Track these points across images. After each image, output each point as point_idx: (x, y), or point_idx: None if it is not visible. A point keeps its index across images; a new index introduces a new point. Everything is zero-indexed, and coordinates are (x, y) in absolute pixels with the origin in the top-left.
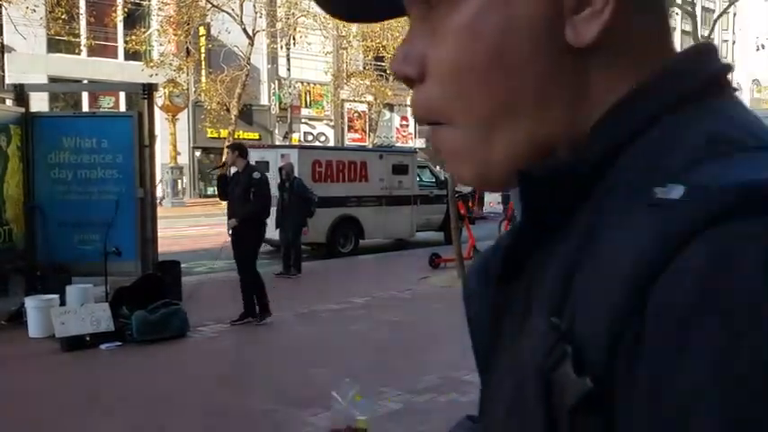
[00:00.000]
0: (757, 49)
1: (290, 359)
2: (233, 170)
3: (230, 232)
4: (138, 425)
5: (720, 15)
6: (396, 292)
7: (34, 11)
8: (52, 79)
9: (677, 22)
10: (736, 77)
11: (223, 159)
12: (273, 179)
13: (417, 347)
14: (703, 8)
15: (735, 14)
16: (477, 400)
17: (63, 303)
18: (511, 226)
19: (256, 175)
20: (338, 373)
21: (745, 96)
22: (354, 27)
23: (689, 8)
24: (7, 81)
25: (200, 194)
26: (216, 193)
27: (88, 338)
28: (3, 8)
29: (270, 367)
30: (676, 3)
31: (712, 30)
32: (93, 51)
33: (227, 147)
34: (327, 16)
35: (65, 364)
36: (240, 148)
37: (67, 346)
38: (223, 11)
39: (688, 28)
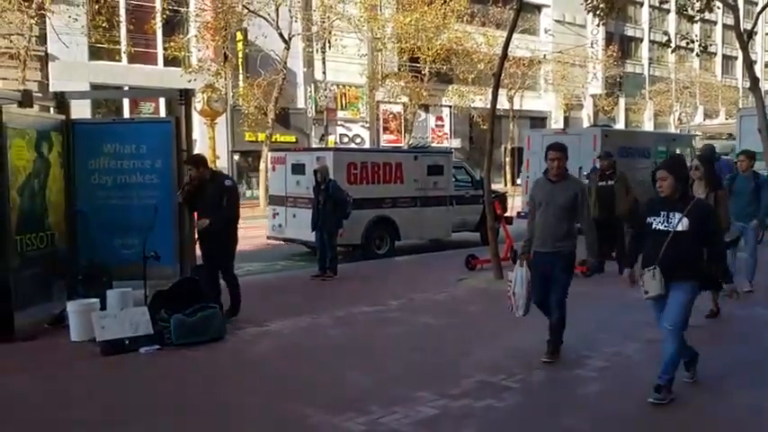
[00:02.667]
0: None
1: (325, 362)
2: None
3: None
4: (176, 428)
5: (764, 8)
6: (432, 295)
7: (76, 20)
8: (94, 86)
9: (719, 15)
10: None
11: (185, 180)
12: (309, 181)
13: (454, 351)
14: (746, 1)
15: None
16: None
17: (103, 307)
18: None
19: (228, 183)
20: (373, 377)
21: None
22: (389, 29)
23: (731, 1)
24: (51, 89)
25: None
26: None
27: (128, 342)
28: (46, 18)
29: (305, 370)
30: None
31: (755, 23)
32: (133, 58)
33: (186, 163)
34: (362, 18)
35: (105, 367)
36: (201, 161)
37: (107, 350)
38: (259, 16)
39: (730, 22)
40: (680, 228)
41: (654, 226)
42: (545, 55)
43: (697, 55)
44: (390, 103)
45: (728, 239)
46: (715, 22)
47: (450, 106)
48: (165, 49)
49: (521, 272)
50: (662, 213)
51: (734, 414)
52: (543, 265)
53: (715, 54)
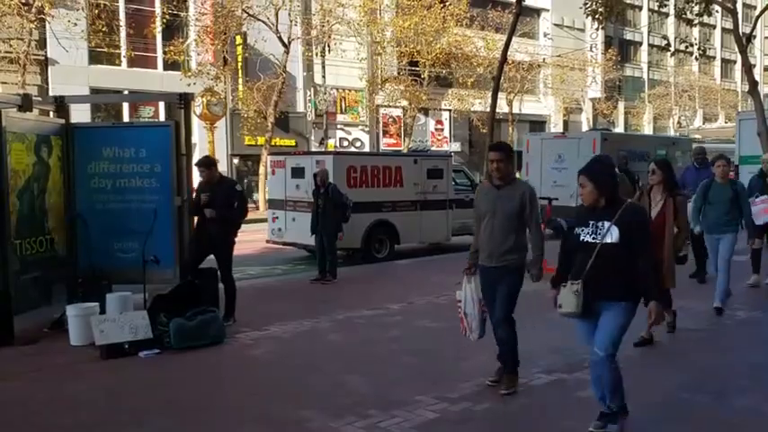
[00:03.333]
0: None
1: (325, 366)
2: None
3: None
4: (175, 430)
5: (762, 12)
6: (432, 298)
7: (76, 24)
8: (94, 90)
9: (718, 19)
10: None
11: (196, 184)
12: (309, 185)
13: (453, 354)
14: (744, 5)
15: None
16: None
17: (103, 311)
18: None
19: (238, 187)
20: (373, 380)
21: None
22: (389, 33)
23: (729, 5)
24: (51, 93)
25: None
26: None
27: (127, 346)
28: (46, 22)
29: (305, 374)
30: (716, 1)
31: (754, 27)
32: (133, 62)
33: (198, 165)
34: (362, 22)
35: (104, 371)
36: (212, 163)
37: (107, 354)
38: (259, 20)
39: (729, 26)
40: (608, 239)
41: (582, 237)
42: (544, 59)
43: (696, 58)
44: (390, 106)
45: (682, 254)
46: (714, 26)
47: (450, 110)
48: (164, 53)
49: (469, 288)
50: (590, 223)
51: (734, 416)
52: (490, 281)
53: (714, 58)
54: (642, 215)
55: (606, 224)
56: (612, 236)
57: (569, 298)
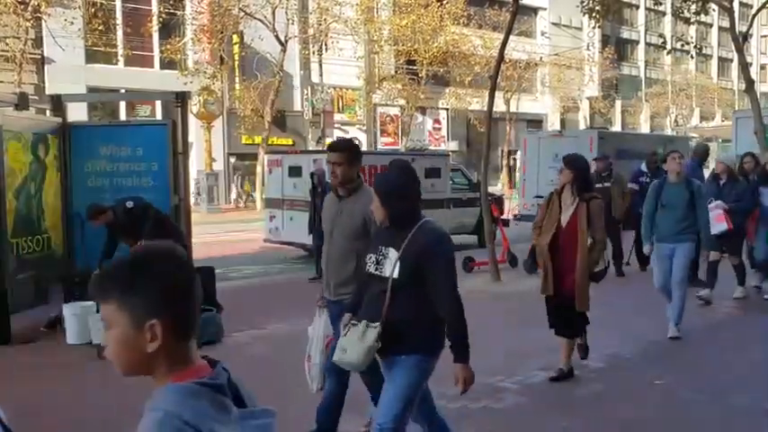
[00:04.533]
0: None
1: None
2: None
3: None
4: None
5: (759, 10)
6: None
7: (72, 23)
8: (91, 89)
9: (714, 18)
10: None
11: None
12: (306, 184)
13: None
14: (741, 3)
15: None
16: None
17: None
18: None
19: (129, 204)
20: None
21: None
22: (386, 31)
23: (726, 3)
24: (47, 92)
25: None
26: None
27: None
28: (42, 21)
29: (303, 373)
30: None
31: (750, 25)
32: (130, 61)
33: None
34: (359, 21)
35: (101, 370)
36: (100, 212)
37: (104, 353)
38: (256, 18)
39: (725, 24)
40: (395, 273)
41: (367, 268)
42: (541, 57)
43: (692, 57)
44: (387, 105)
45: (598, 269)
46: (711, 25)
47: (448, 109)
48: (161, 52)
49: (318, 324)
50: (379, 248)
51: (726, 414)
52: (333, 318)
53: (711, 56)
54: (436, 243)
55: (392, 253)
56: (397, 268)
57: (352, 345)
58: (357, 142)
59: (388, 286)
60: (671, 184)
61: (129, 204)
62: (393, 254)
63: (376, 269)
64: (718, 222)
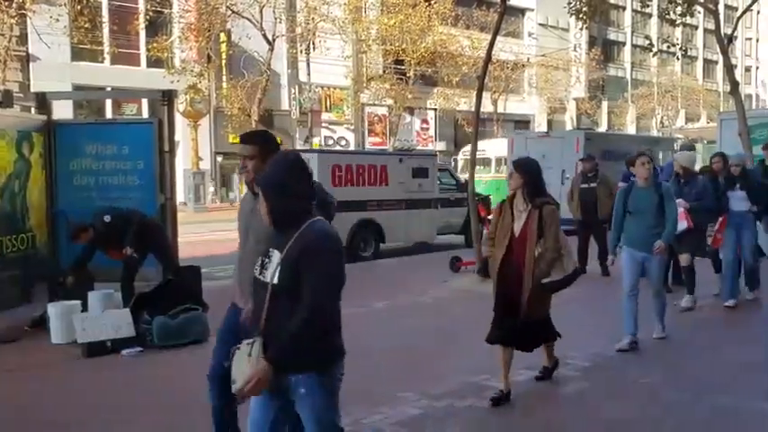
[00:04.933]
0: None
1: None
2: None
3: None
4: (158, 429)
5: (744, 13)
6: (417, 296)
7: (58, 20)
8: (77, 87)
9: (700, 20)
10: (759, 75)
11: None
12: None
13: (438, 352)
14: (726, 6)
15: (758, 12)
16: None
17: (85, 309)
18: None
19: (107, 218)
20: (357, 377)
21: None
22: (374, 31)
23: (711, 6)
24: (32, 89)
25: (221, 199)
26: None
27: (109, 344)
28: (27, 18)
29: None
30: (699, 2)
31: (735, 27)
32: (116, 59)
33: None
34: (347, 20)
35: (86, 369)
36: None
37: (89, 352)
38: (243, 17)
39: (711, 26)
40: (275, 278)
41: (254, 273)
42: (528, 58)
43: (678, 59)
44: (375, 105)
45: (550, 279)
46: (696, 27)
47: (436, 109)
48: (148, 50)
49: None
50: (267, 251)
51: (710, 414)
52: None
53: (696, 58)
54: (317, 242)
55: (275, 255)
56: (276, 273)
57: (242, 366)
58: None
59: (272, 295)
60: (639, 188)
61: (107, 219)
62: (276, 257)
63: (260, 273)
64: (678, 221)
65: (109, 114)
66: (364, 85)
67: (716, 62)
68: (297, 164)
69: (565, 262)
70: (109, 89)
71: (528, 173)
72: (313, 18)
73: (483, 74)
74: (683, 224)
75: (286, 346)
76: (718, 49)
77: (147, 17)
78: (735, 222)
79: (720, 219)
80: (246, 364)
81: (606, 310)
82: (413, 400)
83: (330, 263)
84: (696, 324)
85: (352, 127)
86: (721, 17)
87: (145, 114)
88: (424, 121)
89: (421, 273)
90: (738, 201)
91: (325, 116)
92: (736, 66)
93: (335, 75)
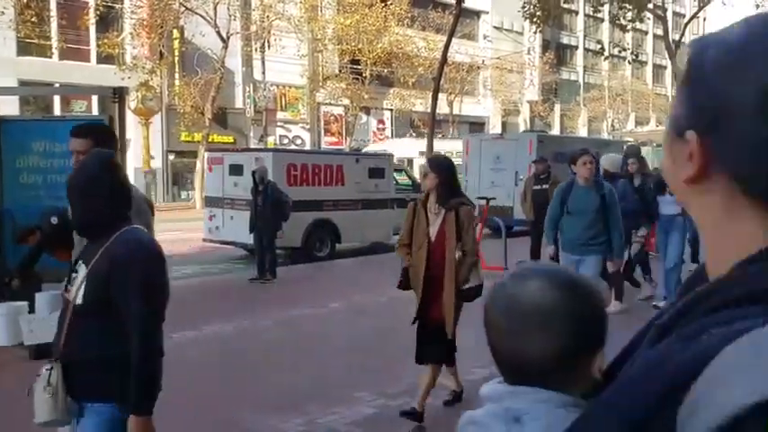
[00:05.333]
0: None
1: (264, 365)
2: None
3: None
4: None
5: (690, 20)
6: (372, 296)
7: (3, 13)
8: (22, 83)
9: (649, 26)
10: None
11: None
12: (247, 183)
13: (393, 351)
14: (674, 13)
15: (705, 19)
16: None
17: (32, 310)
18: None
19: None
20: (313, 378)
21: None
22: (330, 30)
23: (660, 12)
24: None
25: (173, 198)
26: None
27: None
28: None
29: (243, 373)
30: (648, 8)
31: (683, 34)
32: (64, 54)
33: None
34: (302, 19)
35: (34, 372)
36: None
37: (37, 354)
38: (197, 14)
39: (660, 32)
40: (79, 298)
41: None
42: (483, 61)
43: (629, 63)
44: (331, 104)
45: (469, 285)
46: (646, 32)
47: (392, 109)
48: (98, 45)
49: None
50: (76, 264)
51: None
52: None
53: (646, 63)
54: (129, 255)
55: (82, 269)
56: (80, 290)
57: (41, 400)
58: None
59: (68, 312)
60: (579, 187)
61: (54, 220)
62: (83, 271)
63: (66, 290)
64: None
65: (57, 111)
66: (320, 84)
67: (665, 67)
68: (108, 164)
69: (479, 267)
70: (57, 85)
71: (443, 172)
72: (268, 16)
73: (439, 75)
74: None
75: (144, 386)
76: (667, 55)
77: (98, 12)
78: (664, 226)
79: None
80: (43, 394)
81: None
82: (368, 399)
83: (145, 275)
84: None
85: (308, 126)
86: (670, 23)
87: (95, 112)
88: (381, 121)
89: (376, 273)
90: (668, 204)
91: (280, 115)
92: None
93: (291, 73)
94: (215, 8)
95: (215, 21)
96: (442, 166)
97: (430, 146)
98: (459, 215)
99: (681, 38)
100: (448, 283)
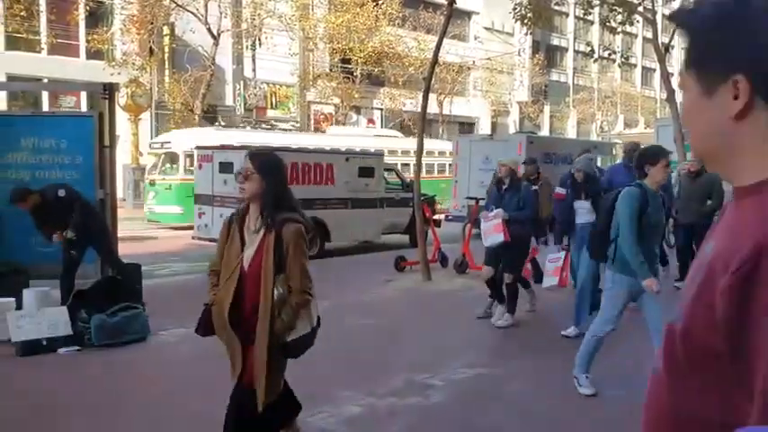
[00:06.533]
0: None
1: None
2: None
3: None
4: (93, 430)
5: None
6: (361, 295)
7: None
8: (11, 78)
9: (639, 29)
10: None
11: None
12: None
13: (382, 350)
14: (664, 16)
15: None
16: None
17: (20, 307)
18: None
19: (61, 192)
20: (301, 376)
21: None
22: (321, 29)
23: (650, 16)
24: None
25: None
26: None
27: (45, 342)
28: None
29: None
30: (638, 11)
31: (672, 37)
32: (53, 50)
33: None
34: (293, 17)
35: (21, 368)
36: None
37: (24, 351)
38: (187, 10)
39: (649, 35)
40: None
41: None
42: (474, 61)
43: (619, 65)
44: (321, 103)
45: (294, 336)
46: (636, 35)
47: (382, 109)
48: (87, 41)
49: None
50: None
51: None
52: None
53: (635, 66)
54: None
55: None
56: None
57: None
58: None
59: None
60: (652, 194)
61: (61, 193)
62: None
63: None
64: (495, 233)
65: (45, 107)
66: (310, 82)
67: (654, 70)
68: None
69: (311, 312)
70: (45, 80)
71: (272, 174)
72: (259, 14)
73: (429, 75)
74: (499, 237)
75: None
76: (656, 58)
77: (87, 7)
78: (579, 237)
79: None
80: None
81: (547, 311)
82: (355, 398)
83: None
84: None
85: (298, 125)
86: (659, 27)
87: (83, 107)
88: (371, 120)
89: (366, 272)
90: (583, 213)
91: (270, 113)
92: (672, 74)
93: (281, 72)
94: (206, 5)
95: (206, 18)
96: (270, 167)
97: (420, 146)
98: (283, 237)
99: (670, 41)
100: (260, 332)
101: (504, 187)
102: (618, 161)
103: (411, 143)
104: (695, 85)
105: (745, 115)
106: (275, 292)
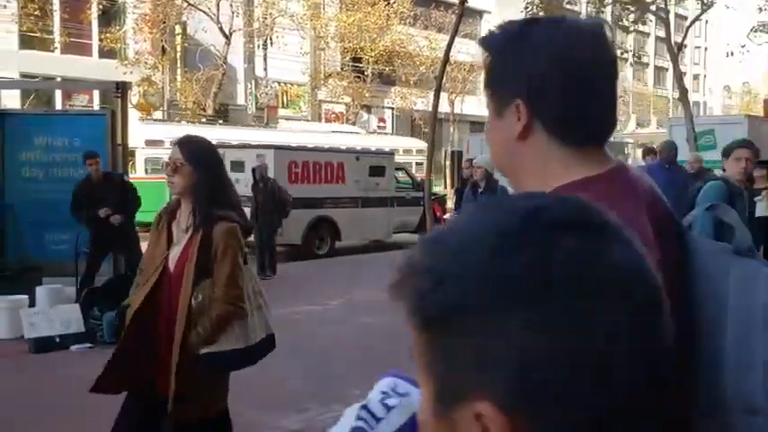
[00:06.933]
0: (727, 56)
1: (263, 362)
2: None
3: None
4: (106, 427)
5: (693, 22)
6: (372, 294)
7: (5, 7)
8: (24, 76)
9: (651, 28)
10: (707, 83)
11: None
12: (248, 180)
13: (392, 350)
14: (677, 15)
15: (707, 22)
16: None
17: (33, 304)
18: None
19: (126, 178)
20: (313, 375)
21: (716, 101)
22: (332, 28)
23: (662, 15)
24: None
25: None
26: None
27: (58, 340)
28: None
29: (242, 370)
30: (650, 10)
31: (685, 36)
32: (67, 49)
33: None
34: (305, 16)
35: (34, 365)
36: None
37: (37, 348)
38: (200, 10)
39: (662, 34)
40: None
41: None
42: None
43: (631, 65)
44: (333, 102)
45: (213, 349)
46: (648, 34)
47: (393, 108)
48: (100, 40)
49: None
50: None
51: None
52: None
53: (647, 65)
54: None
55: None
56: None
57: None
58: None
59: None
60: (737, 189)
61: (126, 177)
62: None
63: None
64: None
65: (58, 105)
66: (322, 81)
67: (666, 69)
68: None
69: (251, 323)
70: (58, 79)
71: (205, 165)
72: (271, 13)
73: (441, 74)
74: None
75: None
76: (669, 57)
77: (100, 6)
78: None
79: None
80: None
81: None
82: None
83: None
84: None
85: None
86: (672, 26)
87: (96, 106)
88: (381, 119)
89: (376, 271)
90: None
91: (281, 112)
92: (685, 73)
93: (293, 71)
94: (218, 4)
95: (218, 17)
96: (203, 156)
97: (431, 144)
98: (213, 237)
99: (683, 40)
100: (174, 343)
101: (479, 191)
102: (645, 160)
103: (373, 140)
104: (491, 106)
105: (526, 137)
106: (193, 300)
